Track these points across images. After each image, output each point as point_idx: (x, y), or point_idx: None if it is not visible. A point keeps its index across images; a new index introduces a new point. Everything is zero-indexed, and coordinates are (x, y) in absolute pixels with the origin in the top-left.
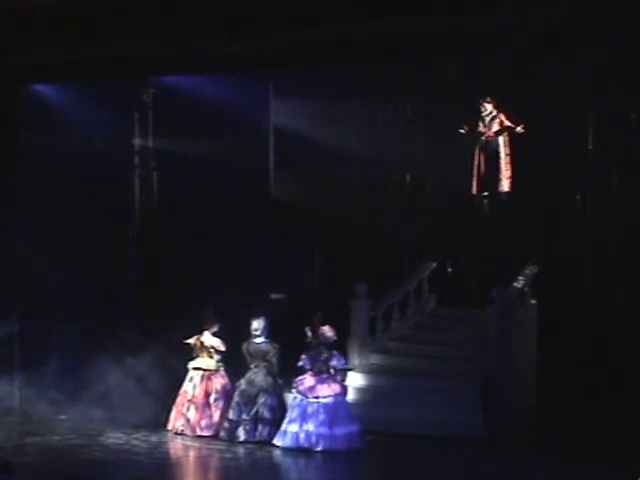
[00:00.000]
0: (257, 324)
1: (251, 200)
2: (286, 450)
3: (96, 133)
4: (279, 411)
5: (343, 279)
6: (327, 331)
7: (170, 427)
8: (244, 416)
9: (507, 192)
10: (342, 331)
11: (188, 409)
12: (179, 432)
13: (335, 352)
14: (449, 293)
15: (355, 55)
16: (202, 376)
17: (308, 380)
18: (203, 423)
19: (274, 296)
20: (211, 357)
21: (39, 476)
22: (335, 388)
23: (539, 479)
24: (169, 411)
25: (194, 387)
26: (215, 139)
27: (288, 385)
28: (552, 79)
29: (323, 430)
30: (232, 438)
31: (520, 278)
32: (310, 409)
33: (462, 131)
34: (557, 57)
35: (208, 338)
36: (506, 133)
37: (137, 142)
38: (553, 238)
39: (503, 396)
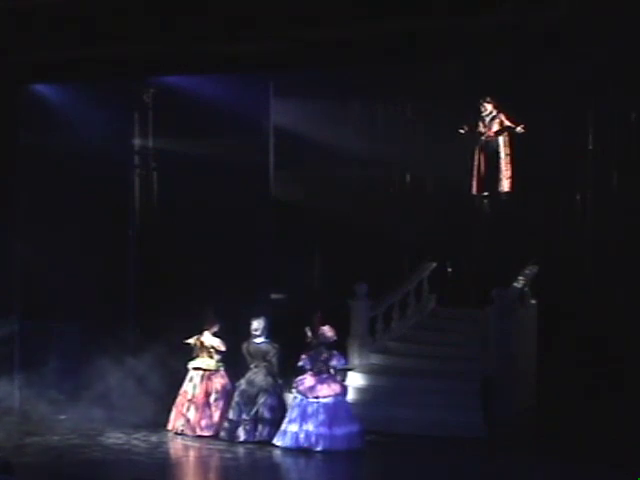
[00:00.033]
0: (257, 324)
1: (251, 200)
2: (286, 450)
3: (96, 133)
4: (279, 411)
5: (343, 279)
6: (327, 331)
7: (170, 427)
8: (244, 416)
9: (507, 192)
10: (342, 331)
11: (188, 409)
12: (179, 432)
13: (335, 352)
14: (449, 293)
15: (355, 55)
16: (202, 376)
17: (308, 380)
18: (203, 423)
19: (274, 296)
20: (211, 357)
21: (39, 476)
22: (335, 388)
23: (539, 479)
24: (169, 411)
25: (194, 387)
26: (215, 139)
27: (288, 385)
28: (552, 79)
29: (323, 430)
30: (232, 438)
31: (520, 278)
32: (310, 409)
33: (462, 131)
34: (557, 57)
35: (208, 338)
36: (506, 133)
37: (137, 142)
38: (553, 238)
39: (503, 396)
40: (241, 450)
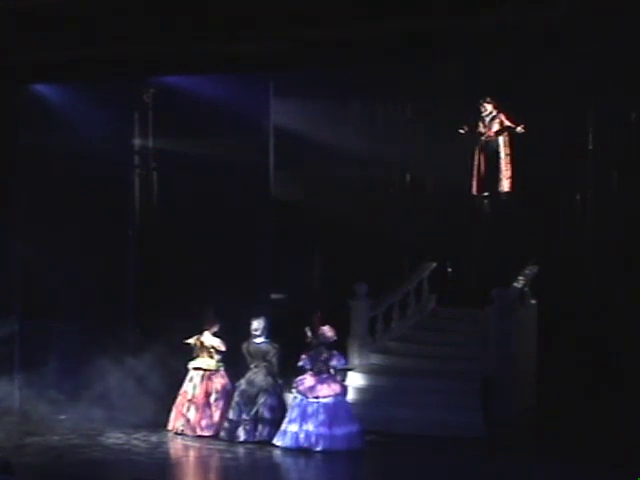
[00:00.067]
0: (257, 324)
1: (251, 200)
2: (286, 450)
3: (96, 133)
4: (279, 411)
5: (343, 279)
6: (327, 331)
7: (170, 427)
8: (244, 416)
9: (507, 192)
10: (342, 331)
11: (188, 409)
12: (179, 432)
13: (335, 352)
14: (449, 293)
15: (355, 55)
16: (202, 376)
17: (308, 380)
18: (203, 423)
19: (274, 296)
20: (211, 357)
21: (39, 476)
22: (335, 388)
23: (539, 479)
24: (169, 411)
25: (194, 387)
26: (215, 139)
27: (288, 385)
28: (552, 79)
29: (323, 430)
30: (232, 438)
31: (520, 278)
32: (310, 409)
33: (462, 131)
34: (557, 57)
35: (208, 338)
36: (506, 133)
37: (137, 142)
38: (553, 238)
39: (503, 396)
40: (241, 450)
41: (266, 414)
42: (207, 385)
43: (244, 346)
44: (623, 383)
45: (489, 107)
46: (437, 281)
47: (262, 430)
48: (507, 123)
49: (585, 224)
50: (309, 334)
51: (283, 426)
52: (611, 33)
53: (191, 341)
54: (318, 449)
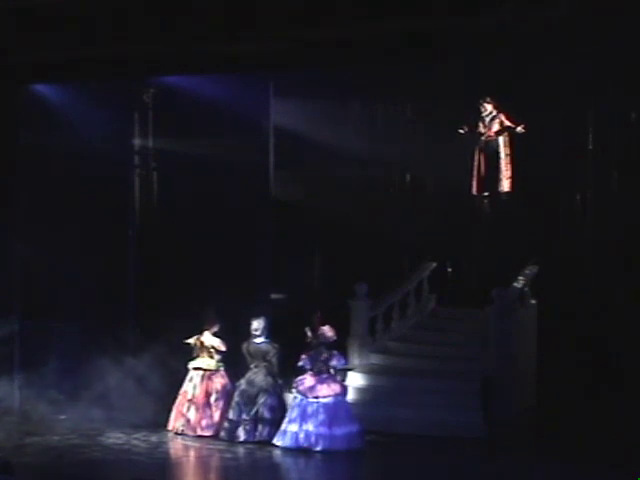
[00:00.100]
0: (257, 324)
1: (251, 200)
2: (286, 450)
3: (96, 133)
4: (279, 411)
5: (343, 279)
6: (327, 331)
7: (170, 427)
8: (244, 416)
9: (507, 192)
10: (342, 331)
11: (188, 409)
12: (179, 432)
13: (335, 352)
14: (449, 293)
15: (355, 55)
16: (202, 376)
17: (308, 380)
18: (203, 423)
19: (274, 296)
20: (211, 357)
21: (39, 476)
22: (335, 388)
23: (539, 479)
24: (169, 411)
25: (194, 387)
26: (215, 139)
27: (288, 385)
28: (552, 79)
29: (323, 430)
30: (232, 438)
31: (520, 278)
32: (310, 409)
33: (461, 132)
34: (557, 57)
35: (208, 338)
36: (506, 133)
37: (137, 142)
38: (553, 238)
39: (503, 396)
40: (241, 450)
41: (266, 414)
42: (207, 385)
43: (244, 346)
44: (623, 383)
45: (489, 107)
46: (437, 281)
47: (262, 430)
48: (507, 123)
49: (585, 224)
50: (309, 334)
51: (283, 426)
52: (611, 33)
53: (191, 341)
54: (318, 449)
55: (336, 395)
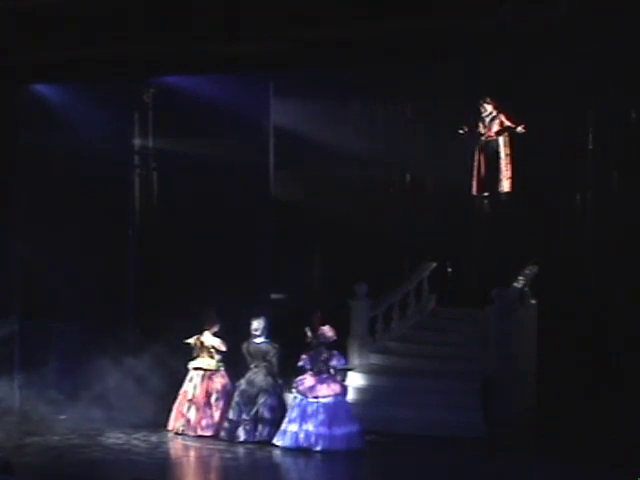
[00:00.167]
0: (257, 324)
1: (251, 200)
2: (286, 450)
3: (96, 133)
4: (279, 411)
5: (343, 279)
6: (327, 331)
7: (170, 427)
8: (244, 416)
9: (507, 192)
10: (342, 331)
11: (188, 409)
12: (179, 432)
13: (335, 352)
14: (449, 293)
15: (355, 55)
16: (202, 376)
17: (308, 380)
18: (204, 423)
19: (274, 296)
20: (212, 357)
21: (39, 476)
22: (335, 388)
23: (539, 479)
24: (169, 411)
25: (194, 387)
26: (215, 139)
27: (288, 385)
28: (552, 79)
29: (322, 430)
30: (232, 438)
31: (520, 278)
32: (310, 409)
33: (461, 132)
34: (557, 57)
35: (208, 338)
36: (506, 133)
37: (137, 142)
38: (553, 238)
39: (503, 396)
40: (241, 450)
41: (266, 414)
42: (207, 385)
43: (244, 346)
44: (623, 383)
45: (489, 107)
46: (437, 281)
47: (262, 430)
48: (507, 123)
49: (585, 224)
50: (309, 334)
51: (283, 426)
52: (611, 33)
53: (191, 341)
54: (318, 449)
55: (336, 395)
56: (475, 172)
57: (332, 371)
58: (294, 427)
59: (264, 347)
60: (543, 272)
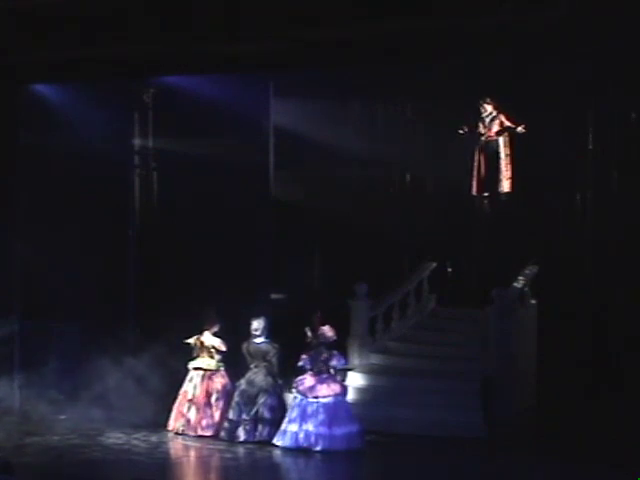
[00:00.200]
0: (257, 324)
1: (251, 200)
2: (286, 450)
3: (96, 133)
4: (279, 411)
5: (343, 279)
6: (327, 331)
7: (170, 428)
8: (244, 416)
9: (507, 192)
10: (342, 331)
11: (189, 409)
12: (179, 432)
13: (335, 352)
14: (449, 293)
15: (355, 55)
16: (202, 376)
17: (308, 380)
18: (204, 423)
19: (274, 296)
20: (212, 357)
21: (39, 476)
22: (335, 388)
23: (539, 479)
24: (169, 411)
25: (194, 387)
26: (215, 139)
27: (288, 385)
28: (552, 79)
29: (322, 430)
30: (232, 438)
31: (520, 278)
32: (310, 409)
33: (461, 132)
34: (557, 57)
35: (208, 338)
36: (506, 134)
37: (137, 142)
38: (553, 238)
39: (503, 396)
40: (241, 450)
41: (266, 414)
42: (208, 385)
43: (244, 346)
44: (623, 383)
45: (489, 108)
46: (437, 281)
47: (262, 430)
48: (507, 124)
49: (585, 224)
50: (309, 334)
51: (283, 426)
52: (611, 33)
53: (191, 341)
54: (318, 449)
55: (336, 395)
56: (475, 172)
57: (332, 371)
58: (294, 427)
59: (264, 347)
60: (543, 272)
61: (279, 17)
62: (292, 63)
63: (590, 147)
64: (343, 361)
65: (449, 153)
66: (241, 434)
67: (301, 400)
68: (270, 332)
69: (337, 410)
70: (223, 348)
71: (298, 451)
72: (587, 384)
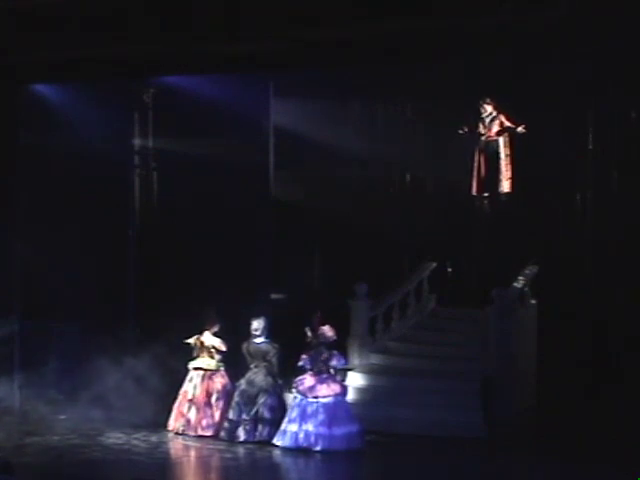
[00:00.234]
0: (257, 324)
1: (251, 200)
2: (285, 450)
3: (96, 133)
4: (279, 411)
5: (343, 279)
6: (327, 331)
7: (170, 428)
8: (244, 416)
9: (507, 193)
10: (342, 331)
11: (189, 409)
12: (179, 432)
13: (335, 352)
14: (449, 293)
15: (355, 55)
16: (203, 376)
17: (308, 380)
18: (204, 423)
19: (274, 296)
20: (212, 357)
21: (39, 476)
22: (335, 388)
23: (539, 479)
24: (169, 411)
25: (194, 387)
26: (215, 139)
27: (288, 385)
28: (552, 79)
29: (322, 430)
30: (232, 438)
31: (520, 278)
32: (310, 409)
33: (461, 132)
34: (557, 57)
35: (208, 338)
36: (506, 134)
37: (137, 142)
38: (553, 238)
39: (503, 396)
40: (241, 450)
41: (266, 414)
42: (208, 385)
43: (244, 346)
44: (623, 383)
45: (489, 108)
46: (437, 281)
47: (262, 430)
48: (507, 124)
49: (585, 224)
50: (309, 334)
51: (283, 426)
52: (611, 33)
53: (191, 341)
54: (317, 449)
55: (336, 395)
56: (475, 172)
57: (332, 371)
58: (294, 427)
59: (264, 347)
60: (543, 272)
61: (279, 17)
62: (292, 63)
63: (590, 147)
64: (343, 361)
65: (449, 153)
66: (241, 434)
67: (301, 400)
68: (270, 332)
69: (337, 410)
70: (223, 348)
71: (298, 451)
72: (587, 384)
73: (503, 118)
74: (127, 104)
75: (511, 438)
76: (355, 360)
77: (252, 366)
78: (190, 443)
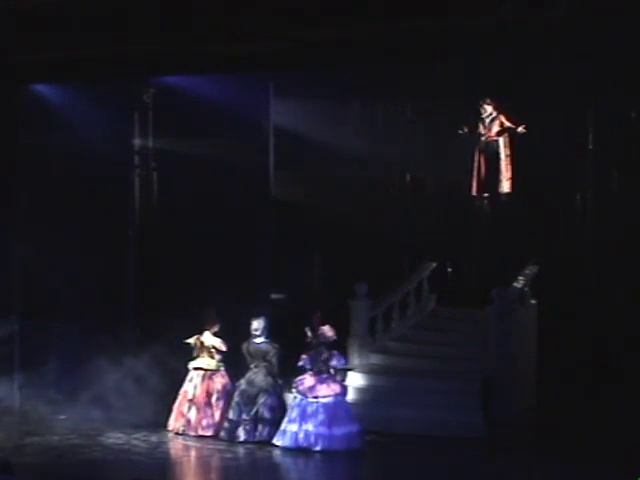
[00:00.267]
0: (257, 324)
1: (251, 200)
2: (285, 450)
3: (96, 133)
4: (279, 411)
5: (343, 279)
6: (327, 331)
7: (170, 428)
8: (244, 416)
9: (507, 193)
10: (342, 331)
11: (189, 409)
12: (180, 432)
13: (335, 352)
14: (449, 293)
15: (355, 55)
16: (203, 376)
17: (308, 380)
18: (204, 423)
19: (274, 296)
20: (212, 357)
21: (39, 476)
22: (335, 388)
23: (539, 479)
24: (169, 411)
25: (194, 387)
26: (215, 139)
27: (288, 385)
28: (552, 79)
29: (322, 430)
30: (232, 438)
31: (520, 278)
32: (310, 409)
33: (461, 132)
34: (557, 57)
35: (208, 338)
36: (506, 134)
37: (137, 142)
38: (553, 238)
39: (503, 396)
40: (241, 450)
41: (266, 414)
42: (208, 385)
43: (244, 346)
44: (623, 383)
45: (489, 108)
46: (437, 281)
47: (262, 430)
48: (507, 124)
49: (585, 224)
50: (309, 334)
51: (283, 426)
52: (611, 33)
53: (191, 341)
54: (317, 449)
55: (336, 395)
56: (475, 173)
57: (332, 371)
58: (294, 427)
59: (264, 347)
60: (543, 272)
61: (279, 17)
62: (292, 63)
63: (590, 147)
64: (343, 361)
65: (449, 153)
66: (241, 434)
67: (301, 400)
68: (270, 332)
69: (337, 410)
70: (223, 348)
71: (298, 451)
72: (587, 384)
73: (503, 118)
74: (127, 104)
75: (511, 438)
76: (355, 360)
77: (252, 366)
78: (190, 443)
